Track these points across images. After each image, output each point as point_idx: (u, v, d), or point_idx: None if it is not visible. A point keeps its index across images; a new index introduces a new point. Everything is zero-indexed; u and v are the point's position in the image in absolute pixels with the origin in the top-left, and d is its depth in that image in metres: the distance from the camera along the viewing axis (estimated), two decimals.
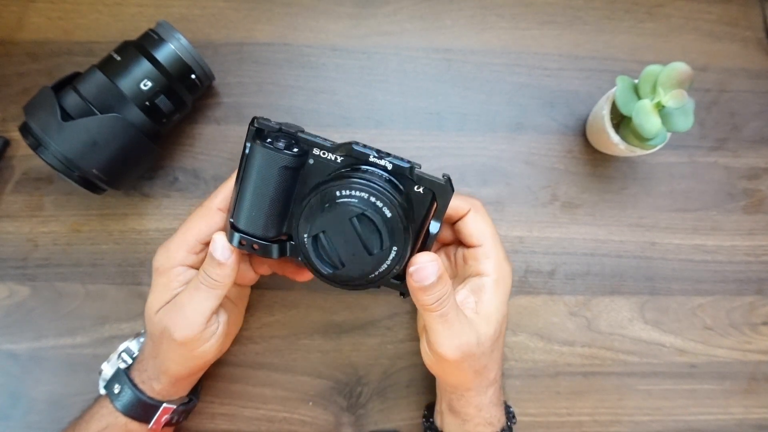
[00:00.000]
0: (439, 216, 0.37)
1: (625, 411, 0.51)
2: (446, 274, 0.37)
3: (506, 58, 0.54)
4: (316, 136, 0.36)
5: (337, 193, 0.34)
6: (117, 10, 0.53)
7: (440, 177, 0.36)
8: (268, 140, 0.35)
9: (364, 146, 0.36)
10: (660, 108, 0.45)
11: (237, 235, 0.37)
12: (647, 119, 0.44)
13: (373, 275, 0.36)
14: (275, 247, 0.38)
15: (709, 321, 0.52)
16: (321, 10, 0.54)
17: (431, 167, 0.52)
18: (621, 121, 0.48)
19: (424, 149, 0.53)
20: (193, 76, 0.46)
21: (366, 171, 0.35)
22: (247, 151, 0.36)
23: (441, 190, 0.35)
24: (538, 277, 0.52)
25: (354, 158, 0.36)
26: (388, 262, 0.35)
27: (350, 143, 0.35)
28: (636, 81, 0.46)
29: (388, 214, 0.34)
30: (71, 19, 0.52)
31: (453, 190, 0.36)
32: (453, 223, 0.43)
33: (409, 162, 0.35)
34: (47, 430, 0.47)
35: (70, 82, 0.44)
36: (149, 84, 0.44)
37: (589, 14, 0.55)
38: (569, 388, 0.51)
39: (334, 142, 0.36)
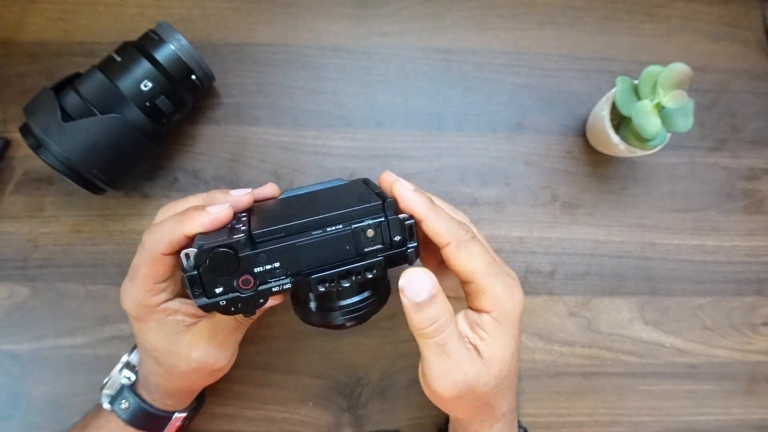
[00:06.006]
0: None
1: (625, 411, 0.51)
2: (443, 297, 0.33)
3: (506, 59, 0.54)
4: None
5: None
6: (117, 11, 0.53)
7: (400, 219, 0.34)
8: (206, 295, 0.32)
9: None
10: (660, 108, 0.45)
11: None
12: (647, 120, 0.44)
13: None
14: None
15: (709, 321, 0.52)
16: (321, 10, 0.54)
17: (431, 167, 0.52)
18: (621, 122, 0.48)
19: (424, 149, 0.53)
20: (193, 77, 0.46)
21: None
22: None
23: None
24: (538, 278, 0.52)
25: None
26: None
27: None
28: (636, 82, 0.46)
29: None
30: (71, 20, 0.52)
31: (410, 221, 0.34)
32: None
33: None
34: (47, 430, 0.47)
35: (70, 82, 0.44)
36: (149, 84, 0.44)
37: (589, 15, 0.55)
38: (569, 388, 0.51)
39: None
